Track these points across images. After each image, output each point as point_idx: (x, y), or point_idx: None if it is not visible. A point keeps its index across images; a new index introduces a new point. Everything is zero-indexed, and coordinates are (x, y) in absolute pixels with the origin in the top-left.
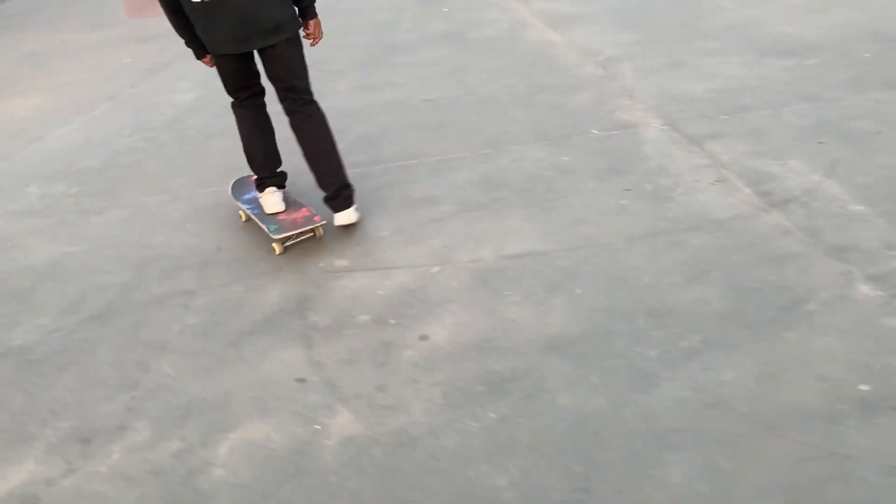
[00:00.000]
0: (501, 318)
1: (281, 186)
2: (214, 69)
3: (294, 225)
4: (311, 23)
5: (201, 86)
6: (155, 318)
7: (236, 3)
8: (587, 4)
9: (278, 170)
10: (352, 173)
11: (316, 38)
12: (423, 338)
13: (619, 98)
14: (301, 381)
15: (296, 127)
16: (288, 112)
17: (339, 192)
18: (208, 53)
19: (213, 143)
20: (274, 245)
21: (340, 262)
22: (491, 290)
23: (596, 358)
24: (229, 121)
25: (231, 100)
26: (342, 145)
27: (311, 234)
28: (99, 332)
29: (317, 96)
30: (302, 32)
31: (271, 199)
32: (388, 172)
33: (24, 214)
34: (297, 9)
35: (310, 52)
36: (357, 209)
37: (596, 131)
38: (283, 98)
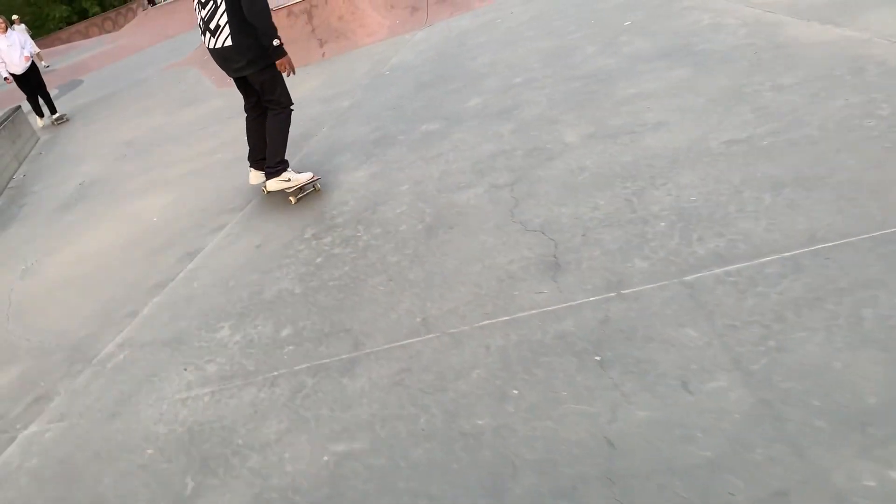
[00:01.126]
0: None
1: (260, 168)
2: None
3: (299, 182)
4: (279, 63)
5: (364, 155)
6: None
7: (216, 54)
8: None
9: (260, 158)
10: (714, 276)
11: (286, 70)
12: None
13: None
14: None
15: (266, 120)
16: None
17: (269, 168)
18: None
19: (437, 241)
20: (290, 198)
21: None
22: None
23: None
24: (439, 206)
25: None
26: (657, 228)
27: (313, 188)
28: None
29: (544, 156)
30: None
31: (254, 174)
32: (800, 270)
33: (233, 380)
34: (258, 55)
35: (499, 103)
36: (281, 180)
37: None
38: (265, 106)
